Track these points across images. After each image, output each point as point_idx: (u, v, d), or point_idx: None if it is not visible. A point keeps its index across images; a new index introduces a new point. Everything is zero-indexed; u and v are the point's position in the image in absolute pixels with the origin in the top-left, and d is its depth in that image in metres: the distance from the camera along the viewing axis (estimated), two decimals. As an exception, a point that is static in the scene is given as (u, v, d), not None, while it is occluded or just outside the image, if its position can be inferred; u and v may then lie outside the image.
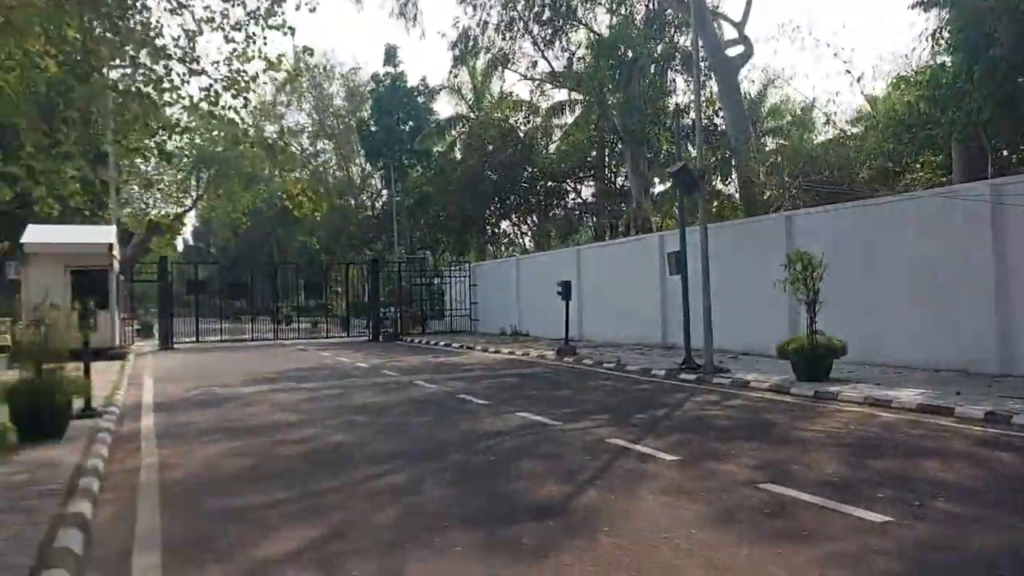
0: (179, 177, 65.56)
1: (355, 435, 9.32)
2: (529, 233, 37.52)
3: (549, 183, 34.22)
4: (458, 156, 39.15)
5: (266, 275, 44.82)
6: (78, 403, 10.16)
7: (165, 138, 11.79)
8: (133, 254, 38.60)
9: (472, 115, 38.76)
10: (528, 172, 33.66)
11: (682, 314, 15.50)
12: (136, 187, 64.79)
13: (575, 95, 31.00)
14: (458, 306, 32.38)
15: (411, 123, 46.70)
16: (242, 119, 10.35)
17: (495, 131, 33.21)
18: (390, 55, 48.13)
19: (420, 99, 47.93)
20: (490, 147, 33.68)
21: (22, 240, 20.30)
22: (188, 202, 67.61)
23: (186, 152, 63.94)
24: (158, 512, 6.05)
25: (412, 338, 30.48)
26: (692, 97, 25.64)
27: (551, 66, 29.47)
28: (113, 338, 21.33)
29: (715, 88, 24.33)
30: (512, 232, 38.22)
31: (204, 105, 9.64)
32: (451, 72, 34.62)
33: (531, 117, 34.24)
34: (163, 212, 68.29)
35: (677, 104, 27.36)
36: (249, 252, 76.45)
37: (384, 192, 58.62)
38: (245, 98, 9.69)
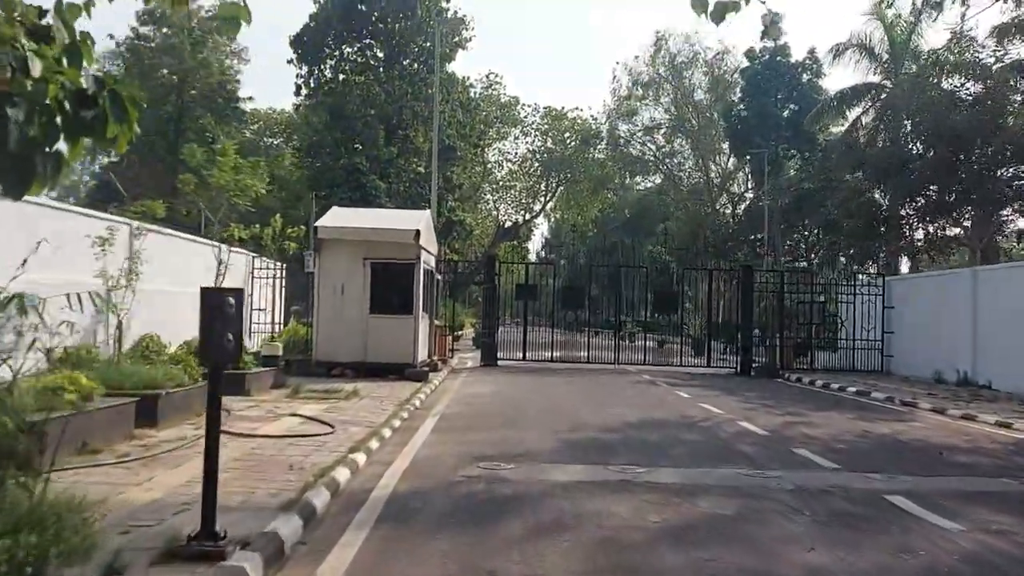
0: (529, 184, 64.02)
1: None
2: (970, 238, 26.37)
3: (1012, 167, 23.38)
4: (861, 139, 29.70)
5: (605, 282, 39.41)
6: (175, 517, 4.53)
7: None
8: (482, 260, 36.04)
9: (887, 82, 28.90)
10: (978, 152, 23.26)
11: None
12: (488, 192, 64.45)
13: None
14: (862, 334, 23.36)
15: (792, 105, 38.00)
16: None
17: (934, 94, 23.18)
18: (771, 25, 40.00)
19: (805, 76, 38.98)
20: (915, 119, 24.00)
21: (316, 223, 16.39)
22: (536, 207, 65.71)
23: (538, 156, 62.05)
24: None
25: (796, 375, 22.28)
26: None
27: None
28: (414, 352, 16.44)
29: None
30: (934, 235, 27.06)
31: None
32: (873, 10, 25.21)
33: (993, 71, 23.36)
34: (513, 219, 67.36)
35: None
36: (597, 262, 73.26)
37: (748, 194, 50.48)
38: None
